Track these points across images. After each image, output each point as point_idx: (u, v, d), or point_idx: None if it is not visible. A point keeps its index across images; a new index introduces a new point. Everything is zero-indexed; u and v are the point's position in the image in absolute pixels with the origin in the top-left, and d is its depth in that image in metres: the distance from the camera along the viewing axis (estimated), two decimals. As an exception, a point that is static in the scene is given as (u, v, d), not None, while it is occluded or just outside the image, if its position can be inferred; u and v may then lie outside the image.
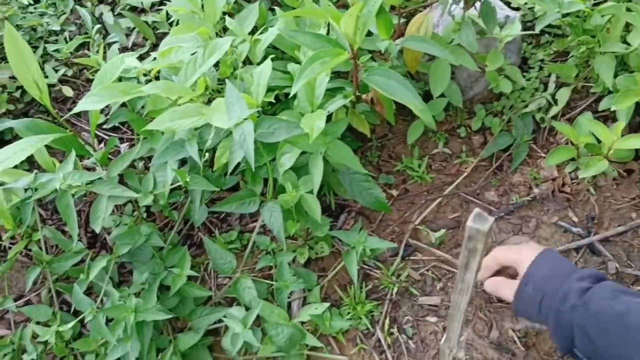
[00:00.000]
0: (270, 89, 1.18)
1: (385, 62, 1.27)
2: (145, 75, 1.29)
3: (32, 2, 1.79)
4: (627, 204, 1.26)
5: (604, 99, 1.29)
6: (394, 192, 1.40)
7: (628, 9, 1.20)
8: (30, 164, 1.49)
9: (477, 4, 1.24)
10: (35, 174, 1.14)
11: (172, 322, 1.27)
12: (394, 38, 1.21)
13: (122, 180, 1.24)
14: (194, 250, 1.41)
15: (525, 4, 1.48)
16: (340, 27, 0.96)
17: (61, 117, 1.29)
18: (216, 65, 1.25)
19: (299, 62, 1.23)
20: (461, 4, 1.23)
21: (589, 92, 1.41)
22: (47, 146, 1.21)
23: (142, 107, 1.34)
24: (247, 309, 1.18)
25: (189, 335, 1.21)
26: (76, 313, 1.26)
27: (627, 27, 1.25)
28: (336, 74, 1.26)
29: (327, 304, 1.19)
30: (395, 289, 1.24)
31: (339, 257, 1.30)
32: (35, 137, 1.14)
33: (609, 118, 1.37)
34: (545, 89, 1.40)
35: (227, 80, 1.08)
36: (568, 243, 1.23)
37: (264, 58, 1.17)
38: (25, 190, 1.21)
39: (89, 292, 1.23)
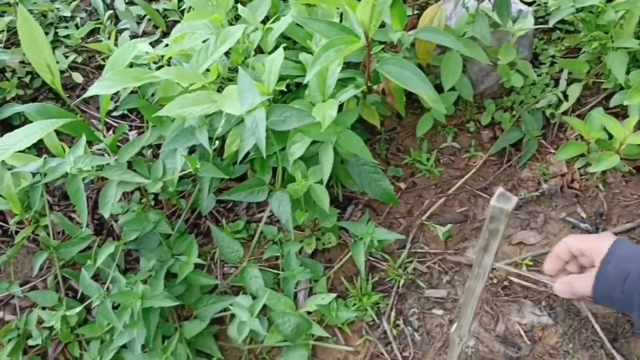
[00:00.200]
0: (281, 78, 1.17)
1: (396, 54, 1.26)
2: (155, 62, 1.29)
3: (42, -12, 1.79)
4: (636, 201, 1.26)
5: (615, 96, 1.29)
6: (402, 185, 1.40)
7: (643, 5, 1.19)
8: (38, 150, 1.50)
9: (491, -3, 1.23)
10: (45, 158, 1.14)
11: (177, 310, 1.27)
12: (407, 30, 1.21)
13: (130, 167, 1.23)
14: (200, 239, 1.41)
15: (538, -2, 1.48)
16: (356, 14, 0.95)
17: (71, 103, 1.28)
18: (227, 53, 1.25)
19: (310, 52, 1.23)
20: (474, -3, 1.23)
21: (599, 88, 1.41)
22: (55, 132, 1.21)
23: (152, 94, 1.34)
24: (254, 298, 1.18)
25: (194, 323, 1.21)
26: (82, 299, 1.27)
27: (641, 23, 1.25)
28: (346, 65, 1.26)
29: (333, 295, 1.19)
30: (402, 281, 1.24)
31: (346, 249, 1.30)
32: (46, 121, 1.14)
33: (619, 115, 1.36)
34: (555, 85, 1.40)
35: (239, 66, 1.07)
36: (576, 239, 1.22)
37: (276, 47, 1.17)
38: (34, 175, 1.21)
39: (95, 278, 1.23)
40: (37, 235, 1.28)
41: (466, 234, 1.29)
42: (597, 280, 0.84)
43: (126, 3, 1.72)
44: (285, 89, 1.18)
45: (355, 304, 1.22)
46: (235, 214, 1.44)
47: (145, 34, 1.71)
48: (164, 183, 1.20)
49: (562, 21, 1.44)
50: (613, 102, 1.28)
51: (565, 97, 1.35)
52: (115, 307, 1.14)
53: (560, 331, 1.10)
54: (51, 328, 1.23)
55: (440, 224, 1.30)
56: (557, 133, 1.40)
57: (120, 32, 1.63)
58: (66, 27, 1.72)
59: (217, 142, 1.15)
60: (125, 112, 1.60)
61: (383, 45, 1.17)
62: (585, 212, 1.27)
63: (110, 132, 1.58)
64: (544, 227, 1.26)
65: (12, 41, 1.70)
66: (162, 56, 1.22)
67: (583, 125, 1.21)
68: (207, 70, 1.15)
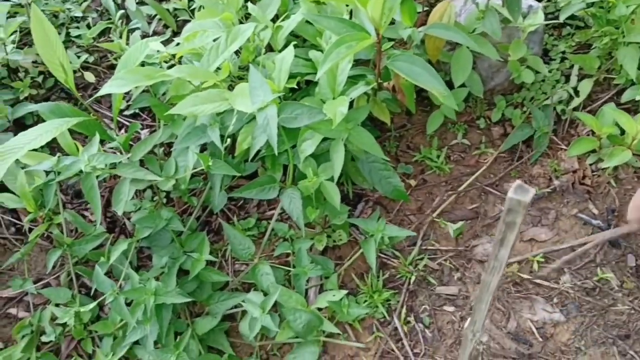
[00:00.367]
0: (291, 76, 1.18)
1: (406, 51, 1.26)
2: (166, 62, 1.30)
3: (54, -11, 1.81)
4: (649, 198, 1.25)
5: (627, 91, 1.28)
6: (412, 182, 1.40)
7: (654, 0, 1.19)
8: (50, 149, 1.51)
9: (501, -6, 1.23)
10: (59, 156, 1.15)
11: (189, 307, 1.28)
12: (416, 26, 1.21)
13: (142, 165, 1.24)
14: (211, 237, 1.41)
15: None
16: (367, 11, 0.95)
17: (84, 102, 1.30)
18: (237, 52, 1.26)
19: (320, 50, 1.24)
20: (484, -7, 1.22)
21: (610, 84, 1.40)
22: (68, 131, 1.22)
23: (164, 93, 1.35)
24: (265, 294, 1.19)
25: (206, 320, 1.22)
26: (94, 296, 1.28)
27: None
28: (355, 62, 1.26)
29: (345, 291, 1.19)
30: (413, 278, 1.24)
31: (356, 246, 1.30)
32: (59, 120, 1.15)
33: (630, 111, 1.36)
34: (566, 81, 1.39)
35: (250, 64, 1.08)
36: (588, 235, 1.22)
37: (285, 45, 1.17)
38: (47, 174, 1.22)
39: (108, 275, 1.24)
40: (51, 233, 1.30)
41: (477, 231, 1.29)
42: None
43: (137, 3, 1.73)
44: (296, 86, 1.18)
45: (365, 301, 1.22)
46: (246, 212, 1.44)
47: (155, 33, 1.72)
48: (176, 181, 1.21)
49: (572, 17, 1.44)
50: (625, 98, 1.27)
51: (576, 93, 1.35)
52: (128, 304, 1.15)
53: (572, 328, 1.10)
54: (64, 325, 1.25)
55: (451, 221, 1.30)
56: (568, 129, 1.39)
57: (131, 31, 1.65)
58: (77, 28, 1.74)
59: (228, 140, 1.16)
60: (137, 111, 1.61)
61: (393, 42, 1.17)
62: (597, 208, 1.26)
63: (122, 130, 1.59)
64: (556, 223, 1.25)
65: (25, 42, 1.72)
66: (174, 55, 1.23)
67: (594, 121, 1.20)
68: (218, 68, 1.16)
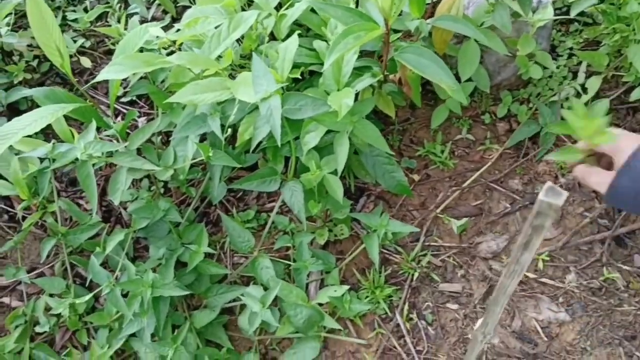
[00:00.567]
0: (295, 66, 1.15)
1: (413, 43, 1.23)
2: (165, 48, 1.26)
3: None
4: (655, 197, 1.23)
5: (636, 89, 1.26)
6: (416, 177, 1.37)
7: (667, -4, 1.16)
8: (45, 135, 1.47)
9: (511, -14, 1.20)
10: (54, 143, 1.11)
11: (187, 299, 1.25)
12: (424, 18, 1.18)
13: (139, 154, 1.21)
14: (209, 229, 1.39)
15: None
16: (377, 0, 0.92)
17: (80, 87, 1.26)
18: (239, 40, 1.23)
19: (325, 40, 1.20)
20: (495, -15, 1.19)
21: (618, 82, 1.38)
22: (64, 117, 1.19)
23: (163, 81, 1.31)
24: (265, 288, 1.16)
25: (204, 313, 1.20)
26: (90, 287, 1.25)
27: (665, 15, 1.21)
28: (360, 53, 1.23)
29: (346, 287, 1.17)
30: (416, 275, 1.22)
31: (358, 241, 1.28)
32: (55, 106, 1.12)
33: (638, 110, 1.34)
34: (573, 78, 1.37)
35: (253, 53, 1.05)
36: (594, 234, 1.20)
37: (289, 34, 1.14)
38: (42, 160, 1.19)
39: (104, 266, 1.22)
40: (45, 221, 1.27)
41: (481, 228, 1.27)
42: (610, 190, 0.79)
43: (136, -13, 1.69)
44: (300, 77, 1.15)
45: (367, 297, 1.20)
46: (245, 204, 1.42)
47: (154, 19, 1.68)
48: (175, 171, 1.18)
49: (580, 13, 1.41)
50: (633, 96, 1.25)
51: (584, 89, 1.32)
52: (124, 295, 1.12)
53: (578, 328, 1.09)
54: (59, 315, 1.22)
55: (455, 217, 1.28)
56: (574, 126, 1.37)
57: (129, 16, 1.61)
58: (74, 11, 1.69)
59: (229, 130, 1.13)
60: (134, 98, 1.57)
61: (400, 34, 1.14)
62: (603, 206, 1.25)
63: (119, 118, 1.55)
64: (561, 222, 1.24)
65: (20, 24, 1.68)
66: (173, 42, 1.20)
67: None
68: (220, 56, 1.13)
